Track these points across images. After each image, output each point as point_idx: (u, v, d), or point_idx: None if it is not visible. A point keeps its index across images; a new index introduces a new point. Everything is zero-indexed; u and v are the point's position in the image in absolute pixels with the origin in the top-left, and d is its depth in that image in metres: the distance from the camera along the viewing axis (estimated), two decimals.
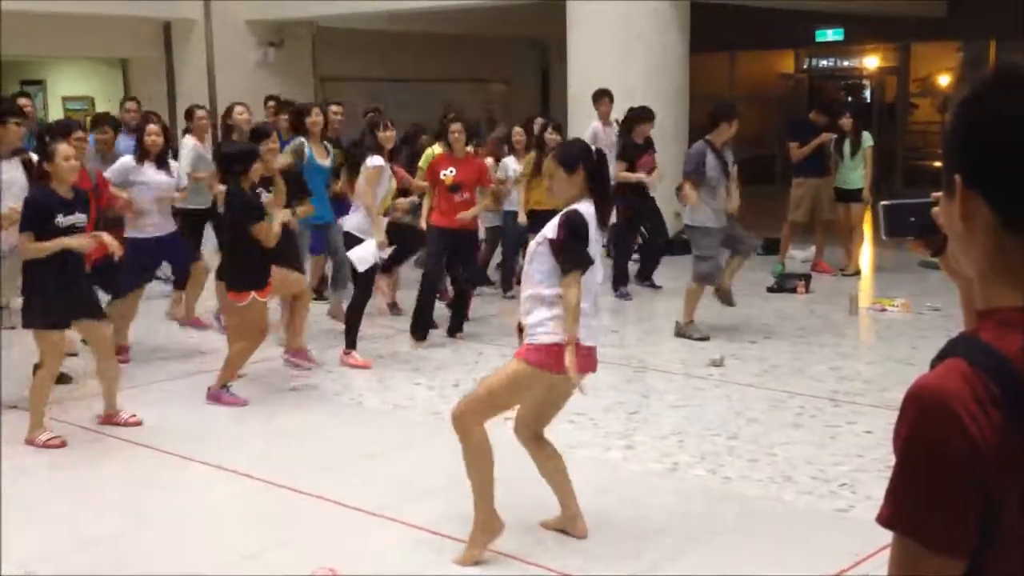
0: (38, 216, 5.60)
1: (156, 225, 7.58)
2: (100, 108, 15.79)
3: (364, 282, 7.37)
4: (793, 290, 9.82)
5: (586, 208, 4.20)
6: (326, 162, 8.38)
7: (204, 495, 5.11)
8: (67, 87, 18.14)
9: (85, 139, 7.24)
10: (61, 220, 5.62)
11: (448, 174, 7.91)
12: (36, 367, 5.94)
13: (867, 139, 10.72)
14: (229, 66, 15.64)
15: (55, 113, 17.10)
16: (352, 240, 7.26)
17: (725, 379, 6.96)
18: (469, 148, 8.30)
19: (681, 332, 8.07)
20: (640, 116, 9.74)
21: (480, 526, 4.23)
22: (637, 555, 4.33)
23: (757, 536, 4.52)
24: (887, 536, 4.28)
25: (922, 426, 1.32)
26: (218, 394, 6.46)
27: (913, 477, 1.33)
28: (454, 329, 8.20)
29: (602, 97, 10.64)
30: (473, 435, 4.19)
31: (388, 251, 7.37)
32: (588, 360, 4.24)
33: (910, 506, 1.33)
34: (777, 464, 5.30)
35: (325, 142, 8.59)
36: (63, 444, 5.72)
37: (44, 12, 13.92)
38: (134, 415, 6.08)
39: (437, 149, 8.67)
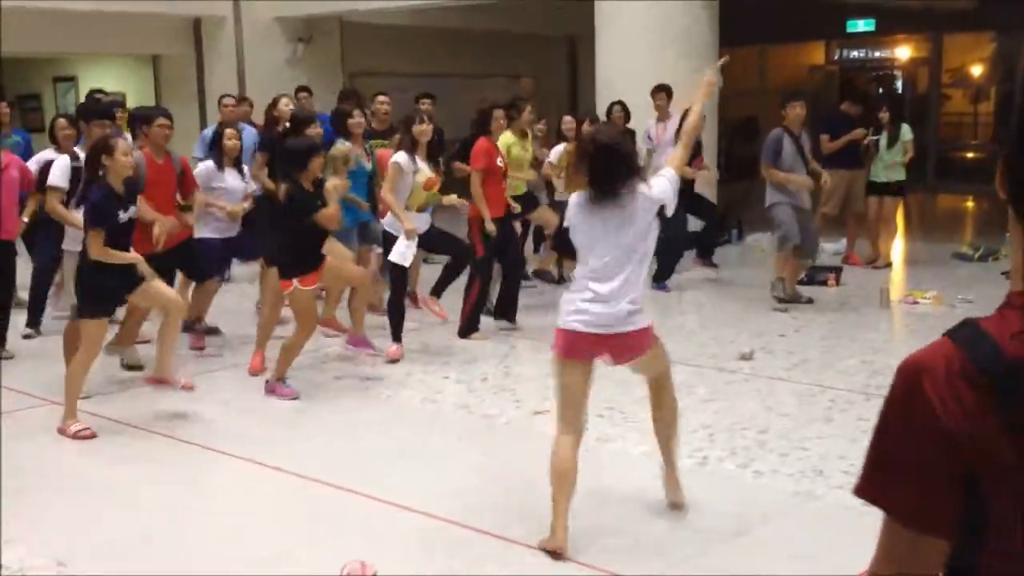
0: (105, 215, 5.74)
1: (222, 228, 7.66)
2: (131, 104, 15.90)
3: (398, 276, 7.40)
4: (824, 283, 9.75)
5: (574, 198, 4.37)
6: (367, 163, 8.37)
7: (235, 490, 5.16)
8: (98, 83, 18.24)
9: (168, 125, 7.31)
10: (121, 216, 5.81)
11: (503, 162, 8.04)
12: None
13: (906, 132, 10.63)
14: (258, 63, 15.71)
15: None
16: (389, 238, 7.29)
17: (755, 373, 6.93)
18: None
19: (778, 294, 8.79)
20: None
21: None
22: (667, 550, 4.32)
23: (788, 531, 4.50)
24: None
25: (894, 395, 1.37)
26: (274, 386, 6.54)
27: (881, 443, 1.40)
28: (506, 314, 8.22)
29: (658, 92, 10.45)
30: None
31: (414, 242, 7.22)
32: (595, 346, 4.26)
33: (879, 476, 1.39)
34: (808, 459, 5.28)
35: (369, 142, 8.55)
36: (93, 435, 5.80)
37: (76, 10, 14.04)
38: (188, 381, 6.19)
39: (511, 137, 8.57)
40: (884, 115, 10.63)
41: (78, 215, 6.46)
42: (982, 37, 18.64)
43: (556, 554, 4.20)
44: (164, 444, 5.78)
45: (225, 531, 4.64)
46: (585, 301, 4.26)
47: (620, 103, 10.35)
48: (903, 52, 19.95)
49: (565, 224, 4.39)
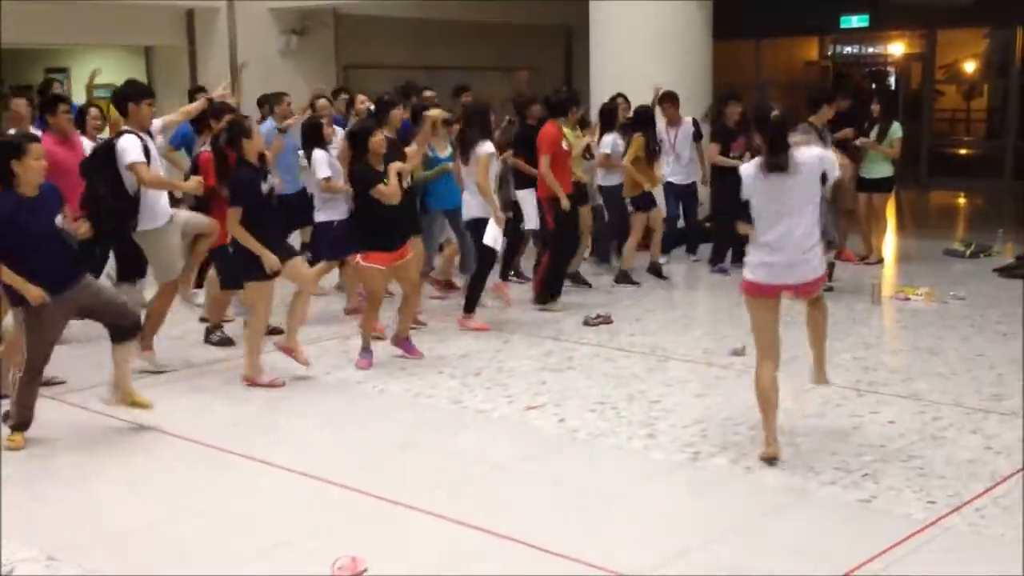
0: (249, 191, 6.45)
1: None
2: None
3: (488, 257, 8.04)
4: None
5: (748, 169, 5.29)
6: (444, 153, 8.50)
7: (227, 485, 5.15)
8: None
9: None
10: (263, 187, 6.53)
11: (567, 146, 8.60)
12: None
13: (896, 129, 10.62)
14: (252, 54, 15.60)
15: (79, 100, 17.17)
16: (480, 222, 7.95)
17: (747, 368, 6.91)
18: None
19: None
20: (726, 98, 10.27)
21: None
22: (660, 544, 4.33)
23: (779, 526, 4.51)
24: (911, 526, 4.28)
25: None
26: (401, 342, 7.29)
27: None
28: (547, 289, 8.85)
29: (666, 101, 10.42)
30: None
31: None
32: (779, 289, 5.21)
33: None
34: (800, 454, 5.29)
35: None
36: (283, 384, 6.57)
37: (69, 1, 13.99)
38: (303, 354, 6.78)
39: (553, 123, 8.84)
40: (875, 107, 10.65)
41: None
42: (976, 33, 18.66)
43: (771, 460, 5.10)
44: (155, 438, 5.77)
45: (216, 526, 4.64)
46: (767, 255, 5.14)
47: (622, 95, 10.35)
48: (897, 48, 19.98)
49: (743, 197, 5.20)
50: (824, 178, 5.18)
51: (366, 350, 7.09)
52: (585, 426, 5.80)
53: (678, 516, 4.65)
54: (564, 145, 8.50)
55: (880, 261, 10.78)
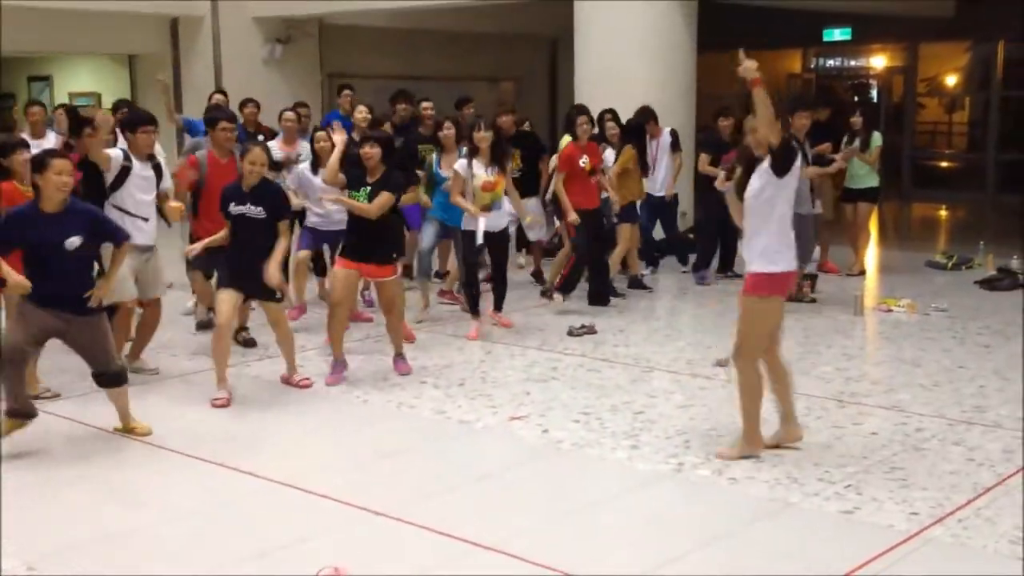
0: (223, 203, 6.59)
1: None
2: (107, 104, 15.82)
3: (473, 260, 8.16)
4: (799, 290, 9.78)
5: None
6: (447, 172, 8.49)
7: (209, 494, 5.12)
8: (74, 83, 18.16)
9: (231, 129, 7.76)
10: (233, 208, 6.54)
11: (585, 162, 8.89)
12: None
13: (876, 139, 10.71)
14: (236, 63, 15.65)
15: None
16: (464, 233, 8.06)
17: (732, 379, 6.94)
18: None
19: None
20: (720, 113, 10.31)
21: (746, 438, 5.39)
22: (642, 555, 4.32)
23: (762, 537, 4.51)
24: (893, 537, 4.28)
25: None
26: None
27: None
28: (603, 300, 9.18)
29: (649, 119, 10.39)
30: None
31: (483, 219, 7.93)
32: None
33: None
34: (783, 465, 5.30)
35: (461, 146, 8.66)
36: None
37: (51, 8, 13.95)
38: (307, 377, 6.84)
39: (567, 140, 9.29)
40: (856, 120, 10.71)
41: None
42: (957, 47, 18.80)
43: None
44: (136, 447, 5.73)
45: (198, 535, 4.61)
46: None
47: (611, 111, 10.28)
48: (879, 61, 20.10)
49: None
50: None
51: (336, 361, 6.94)
52: (569, 436, 5.80)
53: (662, 527, 4.64)
54: (581, 163, 8.84)
55: (862, 273, 10.82)
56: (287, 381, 6.86)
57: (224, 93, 10.67)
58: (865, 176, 10.78)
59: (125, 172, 6.80)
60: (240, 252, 6.56)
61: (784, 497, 4.91)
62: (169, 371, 7.24)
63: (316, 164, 8.25)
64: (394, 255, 7.09)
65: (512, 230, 9.52)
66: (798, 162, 5.34)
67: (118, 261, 5.92)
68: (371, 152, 6.86)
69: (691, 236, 11.53)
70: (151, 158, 7.01)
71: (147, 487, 5.21)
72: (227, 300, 6.48)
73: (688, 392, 6.67)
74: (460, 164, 7.99)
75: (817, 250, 11.18)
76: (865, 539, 4.42)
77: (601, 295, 9.23)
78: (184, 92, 15.84)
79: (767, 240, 5.29)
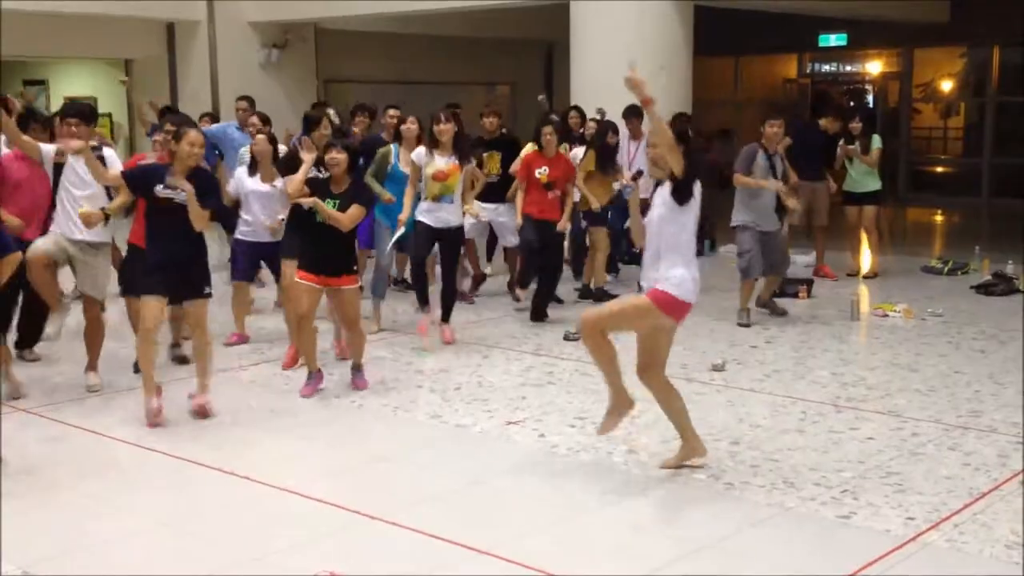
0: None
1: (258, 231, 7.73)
2: (103, 109, 15.80)
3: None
4: (795, 295, 9.80)
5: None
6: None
7: (205, 498, 5.10)
8: (70, 87, 18.15)
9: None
10: (159, 191, 6.01)
11: (543, 172, 8.64)
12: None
13: (876, 141, 10.75)
14: (232, 67, 15.65)
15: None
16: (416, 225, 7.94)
17: (727, 384, 6.96)
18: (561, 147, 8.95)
19: (743, 321, 8.73)
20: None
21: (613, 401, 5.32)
22: (638, 560, 4.31)
23: (759, 543, 4.51)
24: (890, 543, 4.27)
25: None
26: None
27: None
28: (538, 315, 8.85)
29: (632, 117, 10.34)
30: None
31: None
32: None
33: None
34: (779, 470, 5.30)
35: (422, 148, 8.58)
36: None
37: (47, 12, 13.94)
38: (208, 402, 6.29)
39: (530, 148, 9.08)
40: (856, 126, 10.74)
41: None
42: (953, 52, 18.84)
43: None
44: (132, 452, 5.72)
45: (193, 540, 4.59)
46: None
47: (576, 107, 10.39)
48: (874, 66, 20.15)
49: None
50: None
51: (310, 375, 6.72)
52: (565, 441, 5.79)
53: (658, 531, 4.63)
54: (537, 172, 8.60)
55: (875, 275, 10.84)
56: (198, 404, 6.28)
57: (249, 100, 10.70)
58: (866, 179, 10.81)
59: (58, 168, 6.58)
60: (165, 243, 6.06)
61: (780, 502, 4.90)
62: (170, 373, 7.22)
63: (253, 166, 7.81)
64: (355, 266, 6.79)
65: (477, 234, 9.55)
66: (698, 193, 5.10)
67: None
68: (338, 157, 6.53)
69: None
70: (95, 150, 6.53)
71: (140, 492, 5.18)
72: (153, 306, 6.04)
73: (684, 396, 6.63)
74: (417, 153, 7.89)
75: (812, 255, 11.24)
76: (861, 544, 4.41)
77: (540, 310, 8.85)
78: (180, 97, 15.84)
79: (681, 270, 5.08)
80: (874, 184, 10.86)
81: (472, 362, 7.55)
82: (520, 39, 18.88)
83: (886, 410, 6.33)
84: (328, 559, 4.25)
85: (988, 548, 4.37)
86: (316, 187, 6.60)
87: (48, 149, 6.71)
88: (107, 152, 6.77)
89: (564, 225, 8.81)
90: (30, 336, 7.36)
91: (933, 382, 6.95)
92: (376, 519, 4.71)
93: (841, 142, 10.77)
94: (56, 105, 17.86)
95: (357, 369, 6.86)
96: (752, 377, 7.12)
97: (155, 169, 6.15)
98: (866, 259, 11.27)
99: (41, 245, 6.57)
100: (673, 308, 5.12)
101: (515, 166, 9.17)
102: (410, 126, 8.45)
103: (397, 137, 8.55)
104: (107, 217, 6.28)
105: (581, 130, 10.35)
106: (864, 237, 11.21)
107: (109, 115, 16.54)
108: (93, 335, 6.86)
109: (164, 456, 5.62)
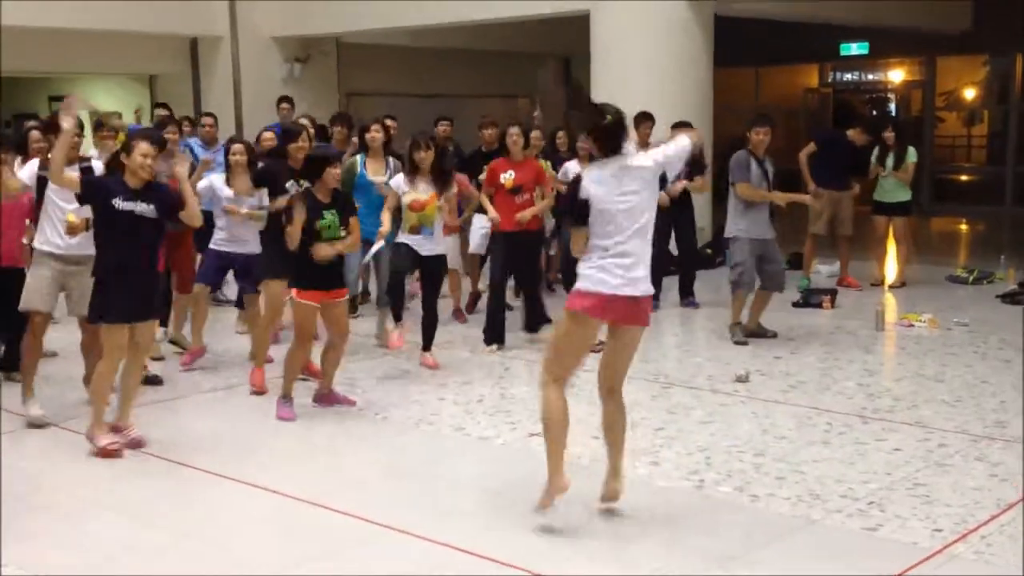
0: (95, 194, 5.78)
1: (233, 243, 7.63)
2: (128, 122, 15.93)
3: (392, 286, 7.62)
4: (819, 305, 9.77)
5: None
6: (380, 177, 8.22)
7: (229, 511, 5.12)
8: (95, 102, 18.31)
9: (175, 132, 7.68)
10: (119, 204, 5.70)
11: (508, 177, 8.13)
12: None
13: (912, 154, 10.68)
14: (255, 82, 15.74)
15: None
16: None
17: (751, 395, 6.93)
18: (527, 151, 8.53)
19: (737, 339, 8.45)
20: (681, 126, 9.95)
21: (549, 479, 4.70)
22: (663, 572, 4.30)
23: (785, 555, 4.48)
24: (917, 555, 4.24)
25: None
26: (279, 403, 6.53)
27: None
28: (532, 327, 8.48)
29: (644, 122, 10.16)
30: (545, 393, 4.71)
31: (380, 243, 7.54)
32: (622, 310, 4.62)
33: None
34: (805, 482, 5.27)
35: (389, 157, 8.50)
36: (120, 453, 5.76)
37: (73, 29, 14.07)
38: (116, 442, 5.83)
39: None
40: (889, 135, 10.69)
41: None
42: (975, 60, 18.75)
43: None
44: (153, 464, 5.74)
45: (214, 552, 4.60)
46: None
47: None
48: (896, 75, 20.07)
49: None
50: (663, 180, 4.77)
51: (286, 398, 6.51)
52: (588, 453, 5.76)
53: (683, 544, 4.61)
54: (502, 178, 8.11)
55: (902, 285, 10.78)
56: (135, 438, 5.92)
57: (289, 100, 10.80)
58: (897, 190, 10.75)
59: (43, 182, 6.37)
60: (126, 260, 5.76)
61: (806, 514, 4.87)
62: (194, 385, 7.26)
63: (229, 176, 7.65)
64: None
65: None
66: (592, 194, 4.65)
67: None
68: (335, 172, 6.47)
69: (708, 251, 11.53)
70: (81, 160, 6.47)
71: (163, 503, 5.20)
72: (119, 335, 5.78)
73: (708, 408, 6.65)
74: (397, 180, 7.52)
75: (836, 265, 11.19)
76: (889, 556, 4.38)
77: (530, 322, 8.53)
78: (204, 111, 15.94)
79: (584, 266, 4.71)
80: (904, 195, 10.80)
81: (494, 374, 7.55)
82: (539, 52, 18.93)
83: (912, 421, 6.29)
84: (352, 572, 4.25)
85: (1016, 560, 4.33)
86: (310, 206, 6.35)
87: (30, 169, 6.69)
88: (95, 164, 6.72)
89: (529, 215, 8.16)
90: (13, 359, 7.09)
91: (959, 392, 6.91)
92: (400, 531, 4.71)
93: (874, 156, 10.68)
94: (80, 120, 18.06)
95: (331, 391, 6.73)
96: (776, 388, 7.09)
97: (118, 180, 5.82)
98: (892, 269, 11.22)
99: (43, 305, 6.40)
100: (582, 304, 4.62)
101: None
102: (375, 135, 8.29)
103: (364, 148, 8.43)
104: (90, 227, 6.06)
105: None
106: (892, 247, 11.16)
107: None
108: (93, 346, 6.50)
109: (185, 467, 5.64)
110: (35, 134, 7.95)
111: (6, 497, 5.09)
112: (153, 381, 7.10)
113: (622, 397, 4.83)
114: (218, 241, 7.70)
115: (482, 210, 8.71)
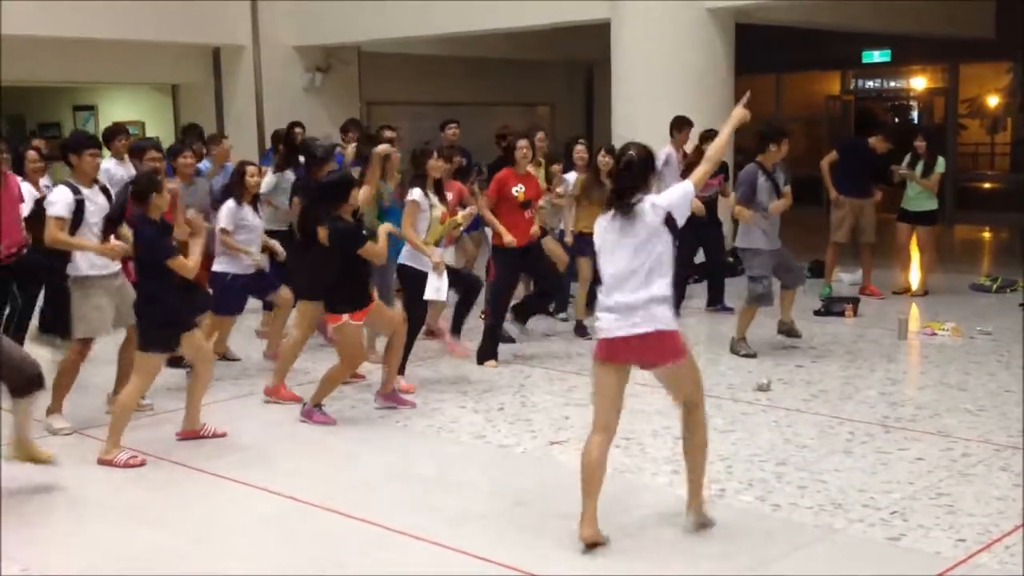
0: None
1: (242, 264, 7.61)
2: (150, 134, 16.04)
3: (420, 312, 7.39)
4: (841, 313, 9.72)
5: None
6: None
7: (247, 516, 5.14)
8: (118, 112, 18.42)
9: (160, 159, 7.46)
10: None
11: (519, 191, 8.01)
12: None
13: (940, 165, 10.61)
14: (277, 91, 15.84)
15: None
16: (406, 271, 7.30)
17: (773, 404, 6.90)
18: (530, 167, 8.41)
19: (733, 348, 8.33)
20: (702, 137, 9.93)
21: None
22: None
23: (807, 564, 4.46)
24: (940, 565, 4.21)
25: None
26: (311, 412, 6.59)
27: None
28: (523, 317, 8.51)
29: (684, 127, 10.22)
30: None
31: (444, 275, 7.23)
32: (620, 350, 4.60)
33: None
34: (827, 491, 5.24)
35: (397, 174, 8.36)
36: (143, 463, 5.81)
37: (96, 39, 14.19)
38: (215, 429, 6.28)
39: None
40: (920, 144, 10.63)
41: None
42: (999, 67, 18.62)
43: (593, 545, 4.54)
44: (157, 464, 5.78)
45: (230, 556, 4.62)
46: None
47: (581, 139, 9.82)
48: (919, 82, 19.96)
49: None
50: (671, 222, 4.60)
51: (319, 407, 6.60)
52: (610, 462, 5.72)
53: (704, 553, 4.59)
54: (514, 190, 7.97)
55: (907, 292, 10.73)
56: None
57: (300, 126, 10.74)
58: (923, 198, 10.68)
59: (80, 206, 6.26)
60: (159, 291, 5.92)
61: (829, 523, 4.85)
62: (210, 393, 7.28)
63: (240, 196, 7.60)
64: None
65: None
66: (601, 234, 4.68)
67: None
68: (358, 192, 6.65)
69: (731, 259, 11.47)
70: (96, 182, 6.51)
71: (179, 507, 5.23)
72: (158, 360, 6.02)
73: (729, 417, 6.62)
74: (416, 193, 7.25)
75: (859, 273, 11.14)
76: (911, 566, 4.35)
77: (524, 313, 8.52)
78: (227, 120, 16.04)
79: (600, 310, 4.77)
80: (931, 204, 10.73)
81: (515, 382, 7.55)
82: (560, 61, 18.94)
83: (935, 430, 6.24)
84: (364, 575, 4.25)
85: None
86: (358, 235, 6.45)
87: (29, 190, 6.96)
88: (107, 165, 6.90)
89: (538, 229, 8.18)
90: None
91: (983, 401, 6.85)
92: (419, 539, 4.72)
93: (905, 163, 10.61)
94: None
95: (394, 390, 6.90)
96: (798, 397, 7.06)
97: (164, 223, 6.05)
98: (915, 277, 11.16)
99: (107, 331, 6.52)
100: (594, 351, 4.73)
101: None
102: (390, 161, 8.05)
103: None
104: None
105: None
106: (915, 255, 11.09)
107: (156, 138, 16.78)
108: (129, 350, 6.53)
109: (202, 473, 5.66)
110: (32, 154, 8.06)
111: (8, 497, 5.13)
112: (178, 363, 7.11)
113: (702, 414, 4.80)
114: (235, 265, 7.60)
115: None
